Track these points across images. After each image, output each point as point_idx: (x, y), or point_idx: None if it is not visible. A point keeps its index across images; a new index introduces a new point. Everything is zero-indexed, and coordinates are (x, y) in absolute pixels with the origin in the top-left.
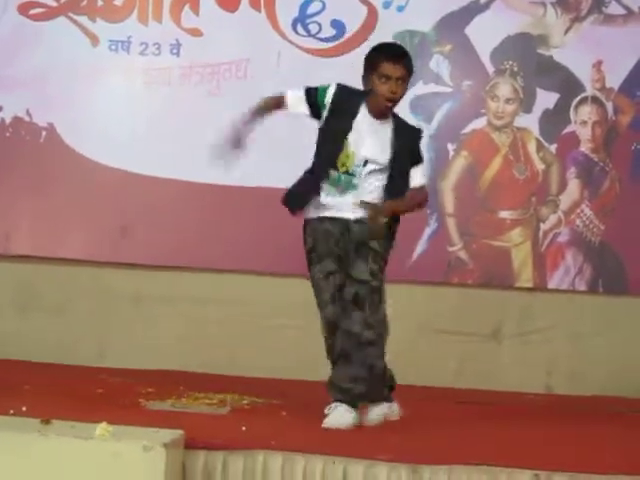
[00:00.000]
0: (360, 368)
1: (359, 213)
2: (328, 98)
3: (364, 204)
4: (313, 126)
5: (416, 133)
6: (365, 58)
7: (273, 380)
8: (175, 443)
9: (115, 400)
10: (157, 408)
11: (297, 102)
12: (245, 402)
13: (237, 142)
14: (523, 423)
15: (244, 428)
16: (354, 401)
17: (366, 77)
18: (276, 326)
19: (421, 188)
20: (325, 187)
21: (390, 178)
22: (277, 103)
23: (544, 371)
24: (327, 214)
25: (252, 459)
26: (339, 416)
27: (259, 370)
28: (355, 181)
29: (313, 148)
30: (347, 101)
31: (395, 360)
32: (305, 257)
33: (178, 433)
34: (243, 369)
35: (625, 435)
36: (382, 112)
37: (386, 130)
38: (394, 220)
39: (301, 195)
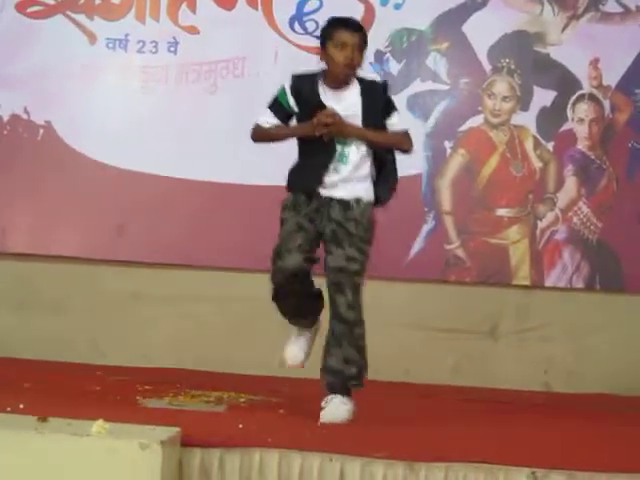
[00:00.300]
0: (349, 349)
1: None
2: (289, 97)
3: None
4: None
5: (380, 86)
6: (321, 30)
7: (270, 378)
8: (172, 441)
9: (112, 398)
10: (154, 406)
11: (266, 123)
12: (242, 400)
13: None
14: (520, 421)
15: (241, 426)
16: (346, 384)
17: (323, 49)
18: (273, 323)
19: (404, 133)
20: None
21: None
22: (266, 134)
23: (542, 369)
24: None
25: (249, 457)
26: (334, 409)
27: (256, 368)
28: (346, 150)
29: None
30: (305, 86)
31: (392, 358)
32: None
33: (175, 431)
34: (240, 367)
35: (623, 433)
36: (341, 81)
37: (352, 95)
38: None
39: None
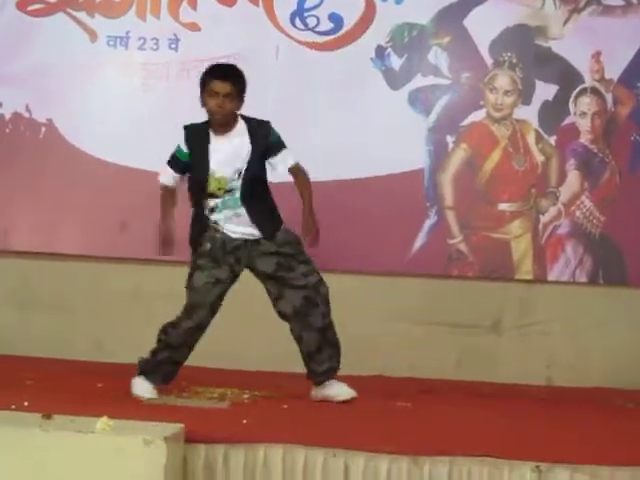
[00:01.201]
0: (328, 349)
1: (255, 230)
2: (184, 147)
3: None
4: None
5: (264, 126)
6: (199, 80)
7: (274, 374)
8: (176, 437)
9: (115, 395)
10: (158, 402)
11: (170, 178)
12: (246, 396)
13: (168, 241)
14: (524, 415)
15: (245, 421)
16: (335, 372)
17: (201, 98)
18: (277, 319)
19: (297, 167)
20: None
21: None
22: (168, 194)
23: (544, 363)
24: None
25: (253, 452)
26: (339, 388)
27: (260, 364)
28: (237, 194)
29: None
30: (197, 135)
31: (396, 352)
32: (191, 259)
33: (179, 427)
34: (243, 363)
35: (626, 427)
36: (220, 124)
37: (240, 134)
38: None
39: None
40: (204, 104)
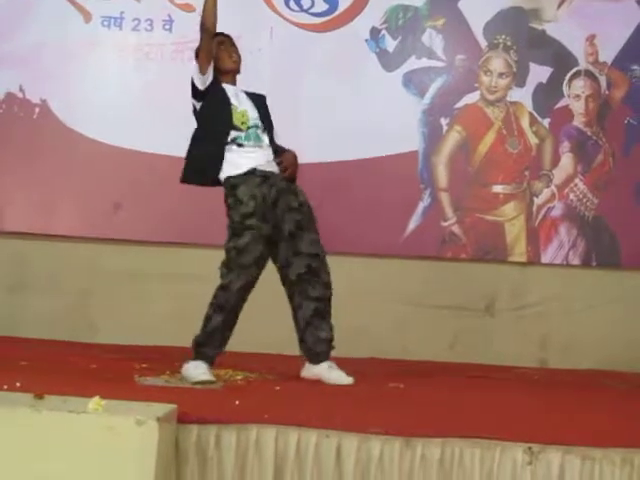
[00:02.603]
0: (329, 320)
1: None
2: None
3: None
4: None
5: (264, 98)
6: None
7: (267, 355)
8: (168, 417)
9: (109, 376)
10: (151, 383)
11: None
12: (239, 377)
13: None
14: (517, 397)
15: (237, 402)
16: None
17: (214, 60)
18: (270, 301)
19: (291, 150)
20: (233, 148)
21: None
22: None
23: (538, 345)
24: (254, 166)
25: (245, 433)
26: (337, 374)
27: (253, 345)
28: (259, 134)
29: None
30: (212, 83)
31: (389, 334)
32: (234, 218)
33: (171, 407)
34: (237, 344)
35: (619, 409)
36: (234, 77)
37: (245, 95)
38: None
39: (208, 166)
40: (217, 58)
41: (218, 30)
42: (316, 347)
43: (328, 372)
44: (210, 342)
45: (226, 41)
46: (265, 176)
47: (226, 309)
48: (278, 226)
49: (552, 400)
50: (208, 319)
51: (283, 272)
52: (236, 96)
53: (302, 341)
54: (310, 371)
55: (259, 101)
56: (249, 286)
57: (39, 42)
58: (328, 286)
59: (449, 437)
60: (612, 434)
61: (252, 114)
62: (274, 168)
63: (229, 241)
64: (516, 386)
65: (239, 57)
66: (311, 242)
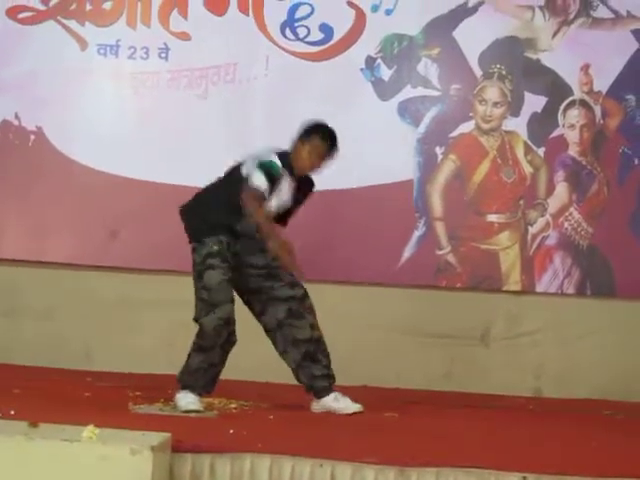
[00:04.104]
0: (324, 359)
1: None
2: (279, 170)
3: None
4: None
5: (312, 187)
6: (305, 129)
7: (261, 384)
8: (162, 446)
9: (102, 403)
10: (145, 412)
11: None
12: (233, 406)
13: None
14: (511, 426)
15: (232, 431)
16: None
17: (299, 145)
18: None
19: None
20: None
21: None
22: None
23: (532, 374)
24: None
25: (240, 462)
26: (344, 402)
27: (247, 373)
28: None
29: None
30: (283, 164)
31: (384, 363)
32: (197, 260)
33: (165, 436)
34: (230, 373)
35: (613, 438)
36: (299, 175)
37: (293, 188)
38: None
39: (212, 226)
40: (299, 152)
41: (215, 58)
42: (314, 384)
43: (335, 404)
44: (193, 382)
45: (324, 152)
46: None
47: (205, 348)
48: (238, 280)
49: (547, 429)
50: (189, 357)
51: (262, 320)
52: (283, 192)
53: (299, 380)
54: (318, 405)
55: (301, 189)
56: (226, 323)
57: (35, 69)
58: (314, 327)
59: (443, 467)
60: (606, 464)
61: (274, 205)
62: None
63: (197, 283)
64: (511, 415)
65: (319, 167)
66: (286, 287)
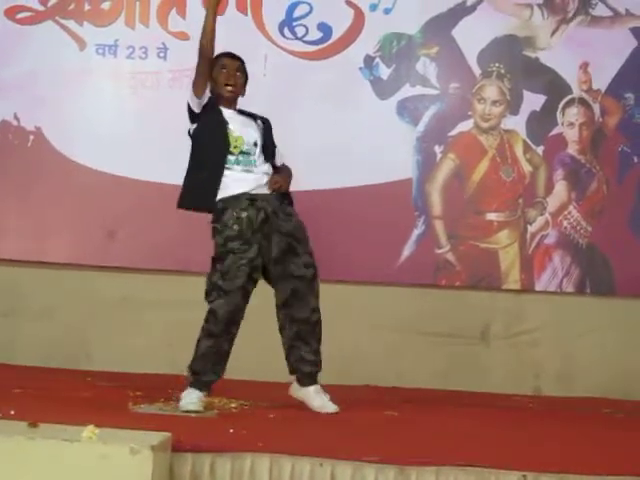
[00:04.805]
0: (316, 344)
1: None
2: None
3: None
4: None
5: (269, 122)
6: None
7: (261, 383)
8: (163, 446)
9: (103, 403)
10: (145, 411)
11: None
12: (233, 405)
13: None
14: (511, 424)
15: (232, 431)
16: (318, 372)
17: (212, 81)
18: (265, 328)
19: (286, 166)
20: (225, 173)
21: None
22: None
23: (532, 373)
24: (244, 190)
25: (240, 461)
26: (322, 401)
27: (247, 373)
28: (252, 159)
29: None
30: (209, 103)
31: (383, 362)
32: (218, 241)
33: (165, 436)
34: (231, 372)
35: (613, 436)
36: (229, 100)
37: (244, 117)
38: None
39: (205, 191)
40: (215, 82)
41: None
42: (299, 366)
43: (313, 397)
44: (202, 367)
45: (229, 65)
46: (253, 199)
47: (214, 334)
48: (266, 249)
49: (547, 428)
50: (198, 343)
51: (275, 295)
52: (234, 119)
53: (287, 360)
54: (297, 392)
55: (261, 124)
56: (236, 311)
57: (33, 70)
58: (315, 310)
59: (443, 465)
60: (607, 462)
61: (248, 139)
62: (265, 191)
63: (214, 265)
64: (510, 414)
65: (240, 83)
66: (300, 265)
